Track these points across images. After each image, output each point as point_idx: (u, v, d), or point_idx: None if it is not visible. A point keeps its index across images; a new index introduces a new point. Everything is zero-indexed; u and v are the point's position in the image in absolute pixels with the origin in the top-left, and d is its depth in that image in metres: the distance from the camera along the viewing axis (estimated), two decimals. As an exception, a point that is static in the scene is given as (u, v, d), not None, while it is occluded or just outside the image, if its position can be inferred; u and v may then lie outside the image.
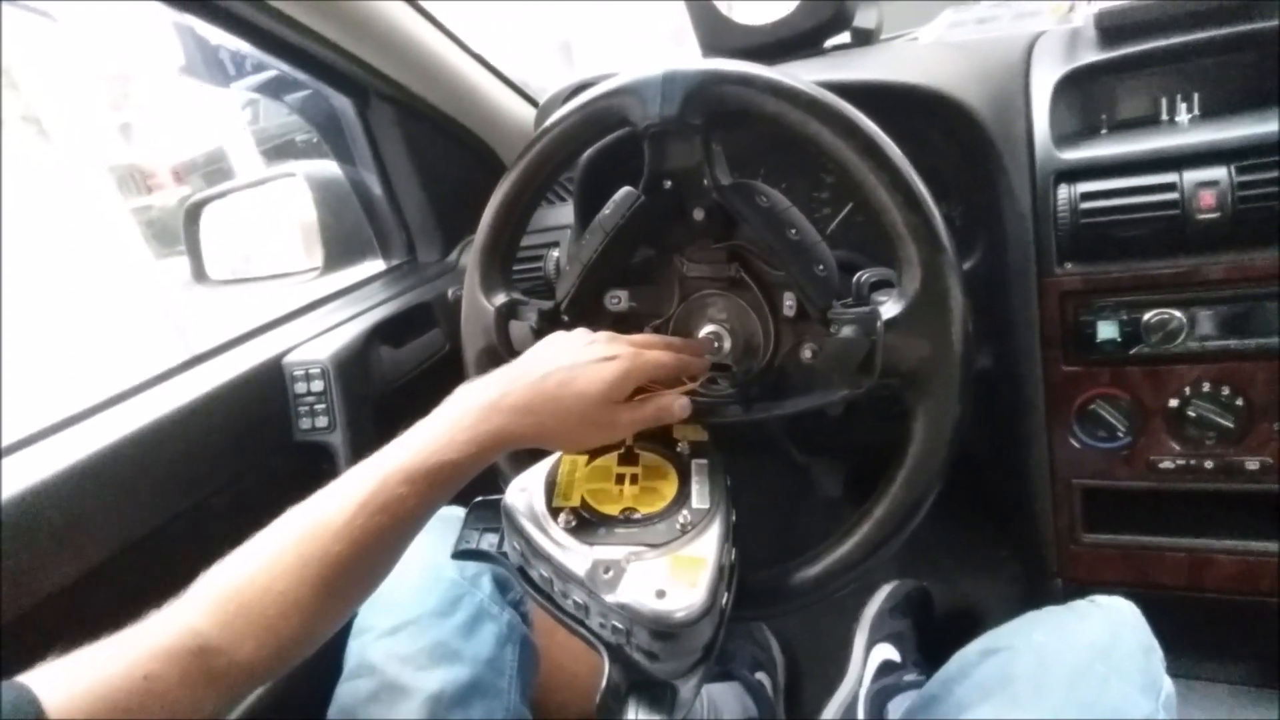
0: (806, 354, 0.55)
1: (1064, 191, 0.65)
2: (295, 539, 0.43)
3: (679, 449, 0.56)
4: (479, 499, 0.56)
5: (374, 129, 0.94)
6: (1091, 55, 0.69)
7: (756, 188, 0.54)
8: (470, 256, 0.63)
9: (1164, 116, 0.68)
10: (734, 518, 0.52)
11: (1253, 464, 0.64)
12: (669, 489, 0.52)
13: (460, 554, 0.54)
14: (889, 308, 0.48)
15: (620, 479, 0.51)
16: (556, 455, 0.56)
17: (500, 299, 0.60)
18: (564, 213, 0.92)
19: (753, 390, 0.58)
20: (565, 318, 0.60)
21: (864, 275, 0.56)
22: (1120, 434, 0.67)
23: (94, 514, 0.60)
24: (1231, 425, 0.63)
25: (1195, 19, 0.65)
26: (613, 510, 0.49)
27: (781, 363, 0.58)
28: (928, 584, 1.01)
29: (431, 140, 0.96)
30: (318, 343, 0.78)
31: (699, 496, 0.51)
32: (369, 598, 0.47)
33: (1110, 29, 0.69)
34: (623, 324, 0.62)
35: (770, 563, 0.54)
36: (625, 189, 0.58)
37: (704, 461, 0.55)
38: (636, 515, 0.49)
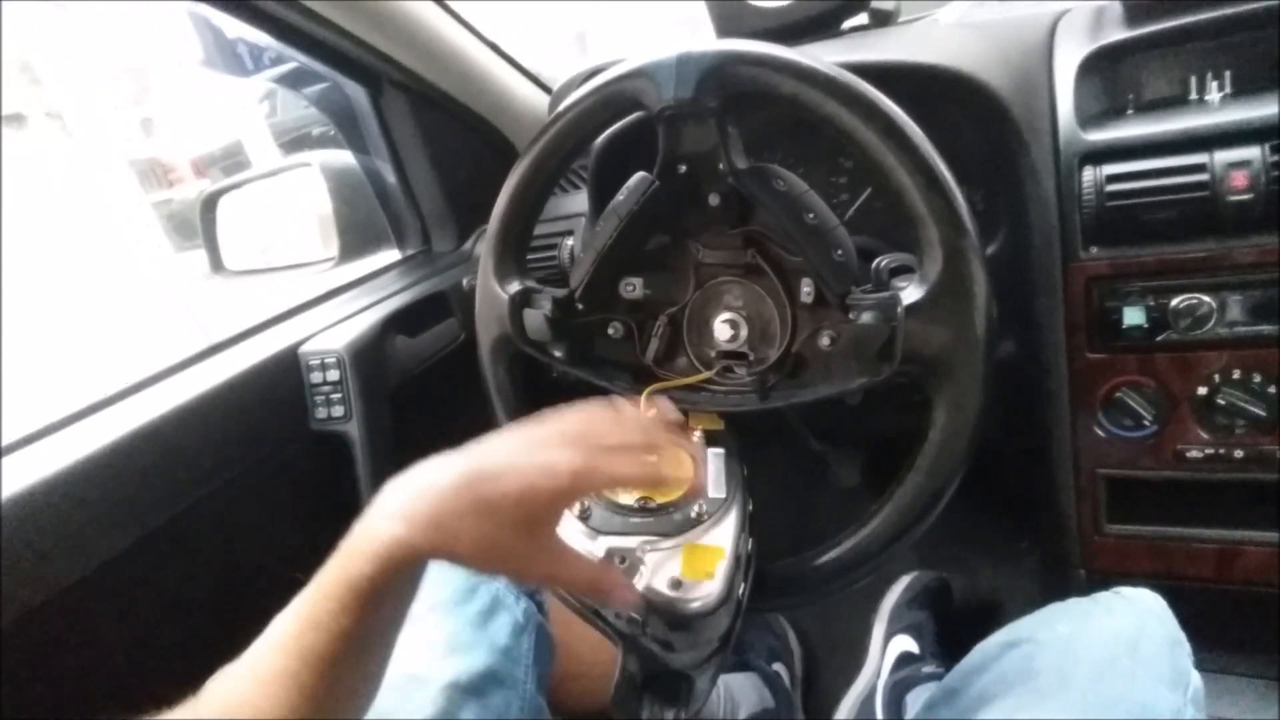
0: (824, 341, 0.54)
1: (1089, 174, 0.63)
2: (276, 651, 0.37)
3: (695, 438, 0.56)
4: None
5: (387, 118, 0.93)
6: (1118, 33, 0.66)
7: (773, 171, 0.53)
8: (484, 245, 0.62)
9: (1193, 95, 0.66)
10: (750, 507, 0.51)
11: None
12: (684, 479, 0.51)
13: None
14: (909, 293, 0.46)
15: None
16: None
17: (514, 287, 0.60)
18: (578, 200, 0.92)
19: (770, 379, 0.58)
20: (579, 305, 0.60)
21: (883, 260, 0.55)
22: (1147, 422, 0.66)
23: (110, 504, 0.60)
24: (1263, 413, 0.61)
25: None
26: (628, 500, 0.49)
27: (799, 350, 0.57)
28: (947, 575, 1.00)
29: (445, 129, 0.95)
30: (333, 332, 0.78)
31: (715, 486, 0.51)
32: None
33: (1137, 5, 0.67)
34: (638, 310, 0.61)
35: (787, 552, 0.54)
36: (639, 174, 0.57)
37: (720, 451, 0.55)
38: (652, 505, 0.48)
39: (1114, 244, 0.64)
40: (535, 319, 0.59)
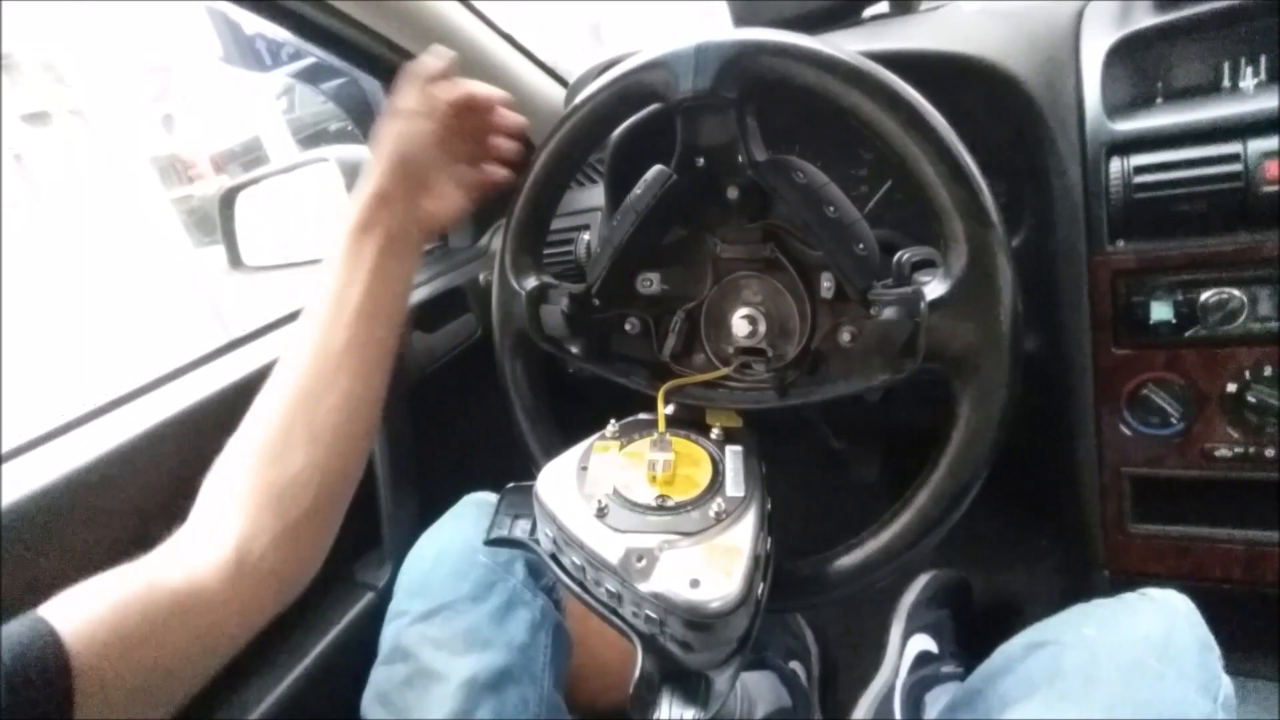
0: (845, 337, 0.54)
1: (1116, 164, 0.62)
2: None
3: (713, 435, 0.55)
4: (511, 485, 0.56)
5: None
6: (1147, 19, 0.65)
7: (793, 164, 0.52)
8: (501, 240, 0.62)
9: (1225, 83, 0.64)
10: (769, 506, 0.51)
11: None
12: (702, 476, 0.51)
13: (493, 541, 0.53)
14: (933, 288, 0.45)
15: (653, 465, 0.50)
16: (587, 443, 0.55)
17: (531, 283, 0.60)
18: (594, 194, 0.91)
19: (789, 376, 0.57)
20: (596, 301, 0.59)
21: (905, 254, 0.54)
22: (1174, 420, 0.64)
23: (115, 509, 0.59)
24: None
25: None
26: (645, 498, 0.48)
27: (819, 346, 0.56)
28: (965, 573, 0.99)
29: None
30: None
31: (733, 484, 0.50)
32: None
33: None
34: (655, 306, 0.61)
35: (806, 551, 0.53)
36: (657, 168, 0.56)
37: (738, 448, 0.54)
38: (670, 503, 0.48)
39: (1141, 237, 0.62)
40: (552, 315, 0.58)
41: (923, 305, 0.45)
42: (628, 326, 0.61)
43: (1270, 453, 0.62)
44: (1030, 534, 1.03)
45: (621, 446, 0.54)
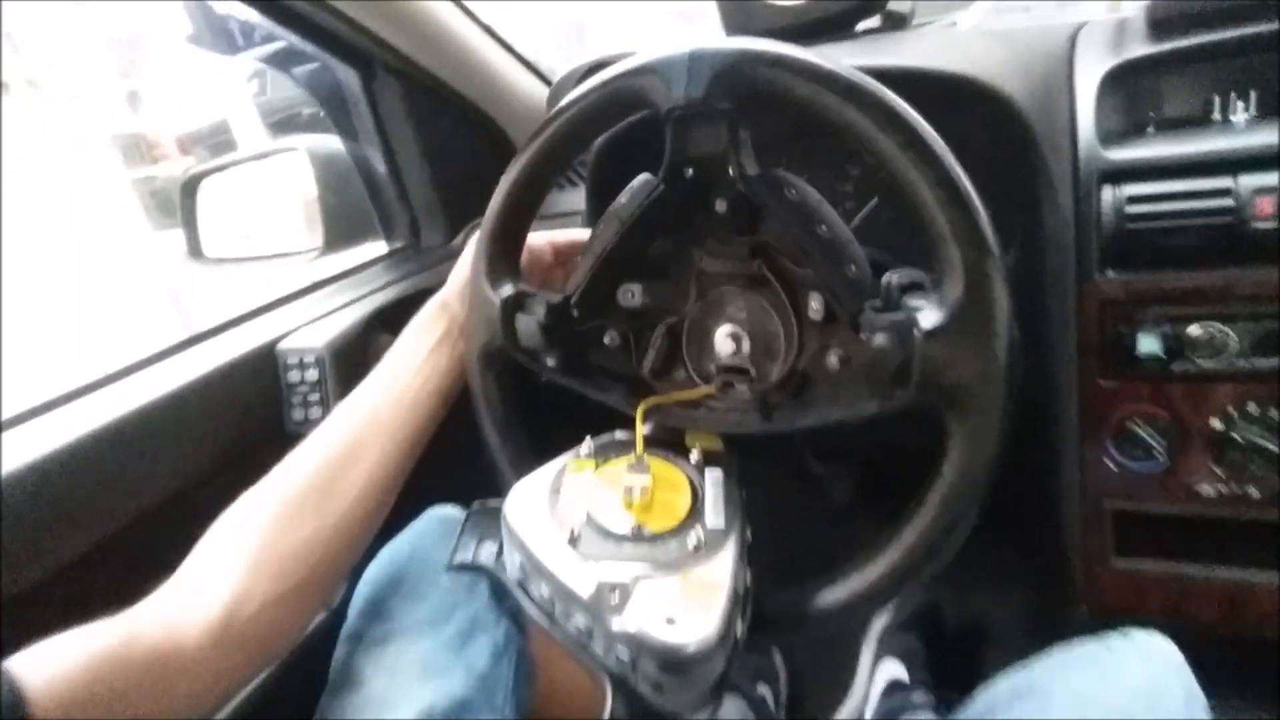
0: (833, 361, 0.51)
1: (1109, 193, 0.61)
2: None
3: (692, 458, 0.53)
4: (478, 504, 0.53)
5: (379, 103, 0.89)
6: (1142, 48, 0.64)
7: (785, 179, 0.50)
8: (477, 243, 0.59)
9: (1216, 116, 0.64)
10: (750, 536, 0.48)
11: None
12: (681, 503, 0.48)
13: (456, 567, 0.50)
14: (928, 315, 0.43)
15: (630, 490, 0.47)
16: (561, 462, 0.52)
17: (507, 290, 0.56)
18: (573, 198, 0.88)
19: (773, 398, 0.54)
20: (575, 312, 0.56)
21: (893, 276, 0.52)
22: (1158, 455, 0.63)
23: (74, 502, 0.56)
24: (1278, 449, 0.59)
25: (1252, 12, 0.61)
26: (621, 525, 0.45)
27: (805, 369, 0.54)
28: (938, 598, 0.97)
29: (439, 117, 0.91)
30: (314, 329, 0.74)
31: (713, 513, 0.47)
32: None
33: (1162, 20, 0.65)
34: (636, 319, 0.58)
35: (783, 580, 0.51)
36: (643, 176, 0.54)
37: (719, 473, 0.52)
38: (646, 532, 0.45)
39: (1131, 267, 0.61)
40: (528, 325, 0.55)
41: (916, 333, 0.43)
42: (607, 340, 0.58)
43: (1254, 493, 0.61)
44: (1004, 560, 1.02)
45: (597, 466, 0.51)
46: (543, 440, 0.58)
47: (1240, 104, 0.63)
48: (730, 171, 0.50)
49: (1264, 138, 0.57)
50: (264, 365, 0.72)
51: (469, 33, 0.89)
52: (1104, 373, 0.64)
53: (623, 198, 0.54)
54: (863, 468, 1.11)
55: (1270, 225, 0.56)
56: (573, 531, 0.44)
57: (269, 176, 0.88)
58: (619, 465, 0.51)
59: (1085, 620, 0.71)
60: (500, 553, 0.49)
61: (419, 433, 0.58)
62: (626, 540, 0.44)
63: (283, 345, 0.73)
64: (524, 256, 0.59)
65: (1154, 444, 0.63)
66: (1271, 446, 0.59)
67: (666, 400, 0.56)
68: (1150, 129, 0.66)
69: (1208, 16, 0.62)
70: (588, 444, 0.54)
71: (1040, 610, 0.91)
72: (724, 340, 0.54)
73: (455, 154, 0.92)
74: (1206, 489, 0.63)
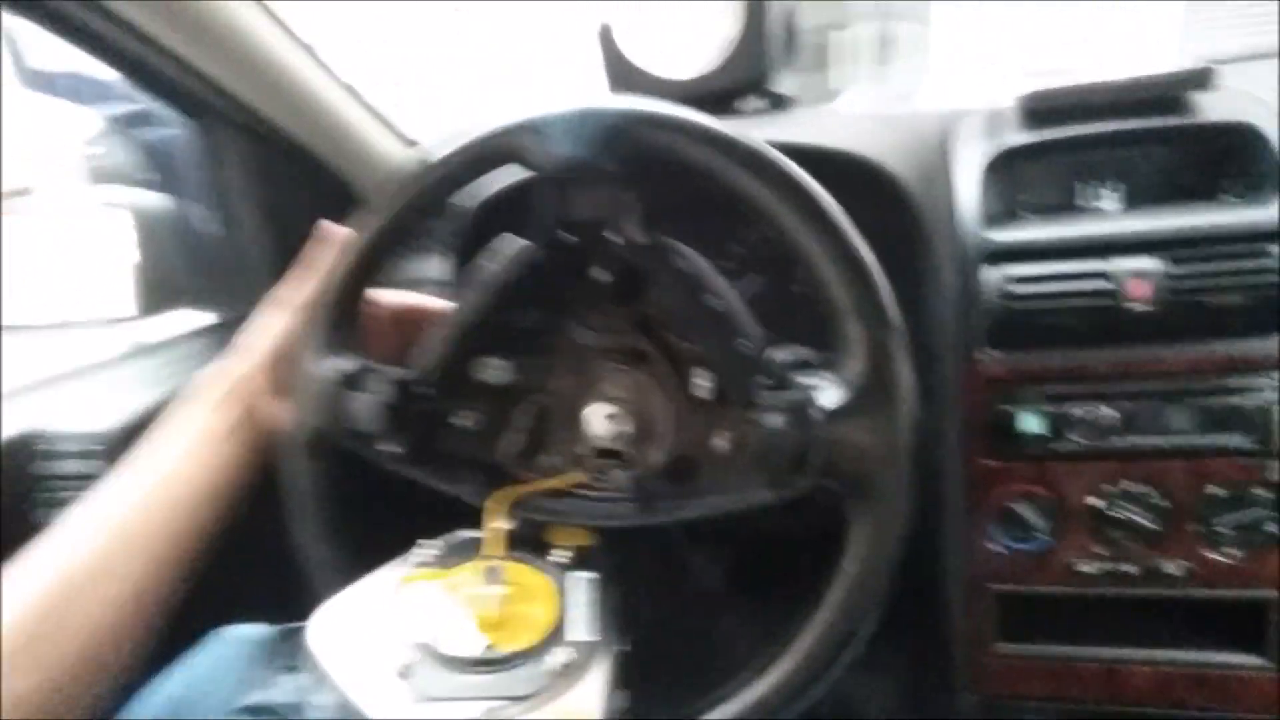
0: (721, 444, 0.47)
1: (991, 273, 0.61)
2: None
3: (556, 558, 0.46)
4: (284, 628, 0.43)
5: (214, 158, 0.80)
6: (1017, 137, 0.66)
7: (673, 247, 0.47)
8: (306, 307, 0.51)
9: (1082, 202, 0.67)
10: (626, 648, 0.42)
11: (1173, 568, 0.60)
12: (543, 615, 0.41)
13: (248, 709, 0.40)
14: (829, 395, 0.40)
15: (479, 603, 0.40)
16: (394, 571, 0.44)
17: (344, 364, 0.49)
18: (430, 266, 0.81)
19: (653, 486, 0.49)
20: (427, 389, 0.49)
21: (779, 354, 0.49)
22: (1040, 534, 0.63)
23: None
24: (1156, 527, 0.59)
25: (1119, 109, 0.64)
26: (467, 649, 0.38)
27: (689, 453, 0.49)
28: None
29: (284, 177, 0.83)
30: (104, 409, 0.63)
31: (582, 625, 0.41)
32: None
33: (1034, 111, 0.67)
34: (499, 398, 0.52)
35: (667, 697, 0.44)
36: (518, 240, 0.49)
37: (589, 575, 0.45)
38: (499, 654, 0.38)
39: (1014, 347, 0.61)
40: (368, 405, 0.47)
41: (815, 414, 0.40)
42: (462, 422, 0.51)
43: (1131, 569, 0.61)
44: (882, 644, 0.98)
45: (440, 575, 0.44)
46: (374, 544, 0.50)
47: (1105, 191, 0.66)
48: (615, 238, 0.46)
49: (1136, 224, 0.60)
50: (27, 452, 0.59)
51: (327, 90, 0.81)
52: (986, 452, 0.63)
53: (493, 263, 0.49)
54: (737, 547, 1.04)
55: (1144, 308, 0.57)
56: (405, 662, 0.36)
57: (81, 233, 0.76)
58: (468, 573, 0.44)
59: (969, 706, 0.69)
60: (309, 689, 0.40)
61: (192, 542, 0.47)
62: (474, 668, 0.37)
63: (54, 428, 0.61)
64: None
65: (1036, 523, 0.62)
66: (1146, 523, 0.59)
67: (530, 490, 0.49)
68: (1020, 214, 0.68)
69: (1077, 110, 0.65)
70: (430, 546, 0.46)
71: (920, 696, 0.87)
72: (599, 420, 0.49)
73: (300, 216, 0.82)
74: (1087, 567, 0.62)
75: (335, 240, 0.52)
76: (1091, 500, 0.61)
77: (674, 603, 1.02)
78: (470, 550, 0.46)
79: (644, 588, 0.95)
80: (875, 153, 0.65)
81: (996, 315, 0.61)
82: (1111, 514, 0.60)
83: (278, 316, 0.54)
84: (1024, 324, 0.60)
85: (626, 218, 0.45)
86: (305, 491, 0.50)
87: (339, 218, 0.55)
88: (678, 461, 0.49)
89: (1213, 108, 0.63)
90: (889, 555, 0.41)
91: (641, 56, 0.79)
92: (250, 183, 0.81)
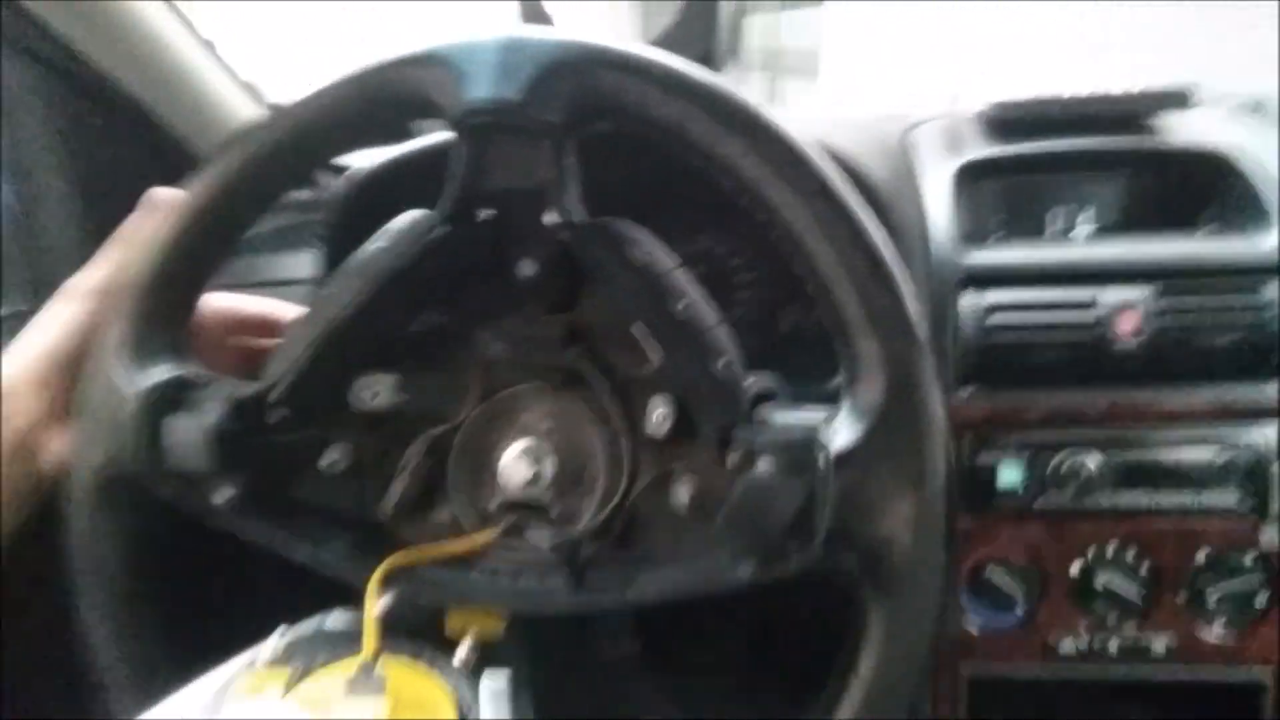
0: (681, 496, 0.36)
1: (969, 299, 0.54)
2: None
3: (459, 656, 0.33)
4: None
5: (11, 104, 0.62)
6: (983, 148, 0.61)
7: (627, 233, 0.35)
8: (107, 295, 0.37)
9: (1052, 223, 0.62)
10: None
11: (1158, 645, 0.54)
12: None
13: None
14: (839, 431, 0.30)
15: None
16: (225, 674, 0.30)
17: (158, 374, 0.35)
18: (301, 263, 0.66)
19: (584, 549, 0.37)
20: (278, 413, 0.35)
21: (747, 381, 0.38)
22: (1017, 607, 0.55)
23: None
24: (1135, 599, 0.53)
25: (1087, 125, 0.60)
26: None
27: (635, 505, 0.37)
28: None
29: (106, 136, 0.66)
30: None
31: None
32: None
33: (997, 121, 0.62)
34: (380, 429, 0.39)
35: None
36: (413, 213, 0.37)
37: (498, 681, 0.33)
38: None
39: (991, 384, 0.54)
40: (189, 432, 0.33)
41: (822, 457, 0.29)
42: (327, 461, 0.38)
43: (1114, 646, 0.55)
44: None
45: (290, 685, 0.30)
46: (197, 634, 0.36)
47: (1077, 212, 0.61)
48: (548, 217, 0.34)
49: (1121, 250, 0.55)
50: None
51: (170, 32, 0.64)
52: (960, 509, 0.55)
53: (378, 243, 0.36)
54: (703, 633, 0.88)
55: (1132, 343, 0.52)
56: None
57: None
58: (330, 678, 0.31)
59: None
60: None
61: None
62: None
63: None
64: None
65: (1012, 593, 0.55)
66: (1125, 593, 0.53)
67: (420, 557, 0.36)
68: (994, 233, 0.61)
69: (1042, 124, 0.60)
70: (277, 640, 0.33)
71: None
72: (515, 462, 0.37)
73: (124, 187, 0.66)
74: (1066, 645, 0.56)
75: (163, 209, 0.38)
76: (1073, 567, 0.54)
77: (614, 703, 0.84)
78: (338, 645, 0.32)
79: (573, 683, 0.78)
80: (850, 152, 0.57)
81: (975, 348, 0.54)
82: (1093, 584, 0.54)
83: (67, 309, 0.40)
84: (1003, 359, 0.54)
85: (565, 189, 0.34)
86: (96, 559, 0.36)
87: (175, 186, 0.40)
88: (618, 517, 0.37)
89: (1189, 129, 0.60)
90: (919, 651, 0.32)
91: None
92: (57, 140, 0.63)
